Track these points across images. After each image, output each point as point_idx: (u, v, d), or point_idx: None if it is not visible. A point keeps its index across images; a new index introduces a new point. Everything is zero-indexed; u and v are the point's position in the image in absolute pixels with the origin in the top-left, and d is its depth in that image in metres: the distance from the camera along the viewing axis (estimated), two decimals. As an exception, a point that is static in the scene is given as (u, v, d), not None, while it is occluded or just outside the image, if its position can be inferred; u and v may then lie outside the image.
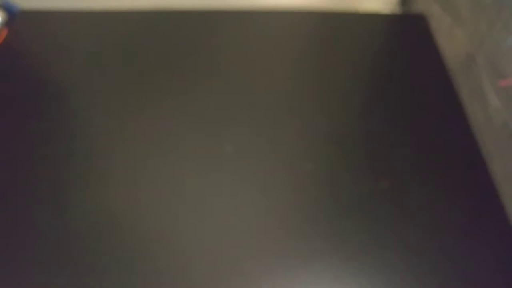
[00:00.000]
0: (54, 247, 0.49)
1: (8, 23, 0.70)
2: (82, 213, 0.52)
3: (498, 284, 0.48)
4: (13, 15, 0.69)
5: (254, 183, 0.54)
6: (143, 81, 0.66)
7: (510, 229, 0.51)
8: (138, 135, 0.60)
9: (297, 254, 0.49)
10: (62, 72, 0.68)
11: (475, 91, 0.62)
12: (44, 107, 0.63)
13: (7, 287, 0.47)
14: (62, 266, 0.48)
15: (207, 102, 0.63)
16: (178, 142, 0.59)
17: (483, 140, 0.59)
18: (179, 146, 0.58)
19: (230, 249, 0.49)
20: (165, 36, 0.72)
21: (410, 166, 0.57)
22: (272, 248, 0.49)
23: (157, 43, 0.70)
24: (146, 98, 0.62)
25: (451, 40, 0.70)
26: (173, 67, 0.68)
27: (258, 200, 0.53)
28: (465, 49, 0.65)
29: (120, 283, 0.47)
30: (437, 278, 0.48)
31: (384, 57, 0.71)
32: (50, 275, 0.47)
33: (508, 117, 0.54)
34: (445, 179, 0.55)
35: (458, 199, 0.54)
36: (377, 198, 0.54)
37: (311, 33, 0.75)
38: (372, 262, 0.49)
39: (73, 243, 0.49)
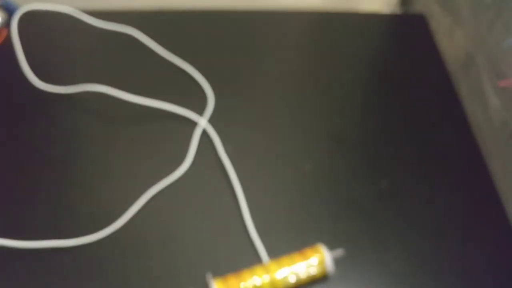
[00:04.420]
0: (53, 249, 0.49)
1: (8, 23, 0.70)
2: (83, 214, 0.52)
3: (498, 284, 0.48)
4: (13, 15, 0.69)
5: (253, 183, 0.54)
6: (143, 80, 0.66)
7: (510, 229, 0.51)
8: (138, 134, 0.60)
9: (297, 254, 0.49)
10: (61, 72, 0.68)
11: (475, 91, 0.62)
12: (43, 108, 0.63)
13: (8, 287, 0.47)
14: (62, 266, 0.48)
15: (206, 102, 0.63)
16: (178, 142, 0.59)
17: (482, 140, 0.59)
18: (179, 146, 0.58)
19: (230, 250, 0.49)
20: (165, 36, 0.72)
21: (410, 166, 0.57)
22: (272, 248, 0.49)
23: (158, 43, 0.70)
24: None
25: (451, 40, 0.70)
26: (173, 67, 0.68)
27: (258, 200, 0.53)
28: (465, 49, 0.65)
29: (120, 282, 0.47)
30: (437, 278, 0.48)
31: (384, 57, 0.71)
32: (50, 276, 0.47)
33: (508, 117, 0.54)
34: (445, 179, 0.55)
35: (458, 199, 0.54)
36: (377, 198, 0.54)
37: (311, 33, 0.75)
38: (372, 262, 0.49)
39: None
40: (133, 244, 0.50)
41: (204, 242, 0.50)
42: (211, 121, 0.61)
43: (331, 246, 0.48)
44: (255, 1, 0.79)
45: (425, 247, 0.50)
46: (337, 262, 0.46)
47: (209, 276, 0.45)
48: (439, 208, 0.53)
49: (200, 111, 0.62)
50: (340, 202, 0.53)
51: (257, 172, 0.56)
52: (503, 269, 0.48)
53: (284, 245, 0.48)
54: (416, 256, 0.49)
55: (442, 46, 0.72)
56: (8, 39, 0.68)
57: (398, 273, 0.48)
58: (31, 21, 0.68)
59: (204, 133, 0.60)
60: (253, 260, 0.48)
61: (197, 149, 0.58)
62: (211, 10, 0.77)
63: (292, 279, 0.44)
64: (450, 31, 0.70)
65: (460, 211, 0.53)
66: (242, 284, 0.43)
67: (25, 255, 0.49)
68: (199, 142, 0.59)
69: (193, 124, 0.61)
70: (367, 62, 0.70)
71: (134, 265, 0.48)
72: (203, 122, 0.60)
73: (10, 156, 0.57)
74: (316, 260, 0.45)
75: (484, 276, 0.48)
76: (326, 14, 0.78)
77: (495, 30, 0.57)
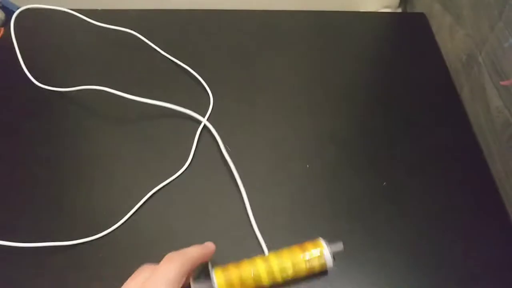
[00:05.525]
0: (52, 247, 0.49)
1: (7, 21, 0.70)
2: (83, 213, 0.52)
3: (499, 284, 0.47)
4: (12, 13, 0.69)
5: (253, 184, 0.54)
6: (143, 79, 0.66)
7: (511, 229, 0.51)
8: (138, 133, 0.60)
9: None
10: (61, 72, 0.68)
11: (476, 91, 0.62)
12: (42, 107, 0.63)
13: (6, 286, 0.47)
14: (61, 265, 0.48)
15: (206, 101, 0.63)
16: (179, 141, 0.59)
17: (484, 140, 0.59)
18: (180, 146, 0.58)
19: (230, 250, 0.49)
20: (164, 35, 0.72)
21: (410, 166, 0.56)
22: (273, 246, 0.49)
23: (157, 42, 0.70)
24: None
25: (452, 39, 0.69)
26: (172, 66, 0.68)
27: (258, 200, 0.53)
28: (466, 48, 0.65)
29: (120, 282, 0.47)
30: (437, 278, 0.47)
31: (384, 56, 0.71)
32: (49, 275, 0.47)
33: (510, 117, 0.54)
34: (445, 179, 0.55)
35: (459, 199, 0.53)
36: (377, 198, 0.53)
37: (312, 33, 0.75)
38: (372, 262, 0.48)
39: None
40: (134, 243, 0.50)
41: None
42: (211, 120, 0.61)
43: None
44: (255, 1, 0.79)
45: (425, 247, 0.49)
46: (337, 260, 0.46)
47: (209, 265, 0.45)
48: (440, 208, 0.53)
49: (200, 110, 0.62)
50: (340, 201, 0.53)
51: (256, 172, 0.56)
52: (504, 269, 0.48)
53: (285, 244, 0.48)
54: (416, 255, 0.49)
55: (443, 46, 0.71)
56: (7, 37, 0.68)
57: (398, 272, 0.48)
58: (30, 20, 0.68)
59: (205, 133, 0.60)
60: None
61: (198, 148, 0.58)
62: (210, 10, 0.77)
63: (291, 271, 0.44)
64: (451, 30, 0.70)
65: (461, 211, 0.52)
66: (241, 274, 0.43)
67: (24, 256, 0.48)
68: (200, 141, 0.59)
69: (194, 123, 0.60)
70: (367, 62, 0.70)
71: (135, 264, 0.48)
72: (203, 122, 0.60)
73: (9, 156, 0.57)
74: (315, 252, 0.44)
75: (485, 276, 0.48)
76: (327, 13, 0.78)
77: (496, 29, 0.57)
